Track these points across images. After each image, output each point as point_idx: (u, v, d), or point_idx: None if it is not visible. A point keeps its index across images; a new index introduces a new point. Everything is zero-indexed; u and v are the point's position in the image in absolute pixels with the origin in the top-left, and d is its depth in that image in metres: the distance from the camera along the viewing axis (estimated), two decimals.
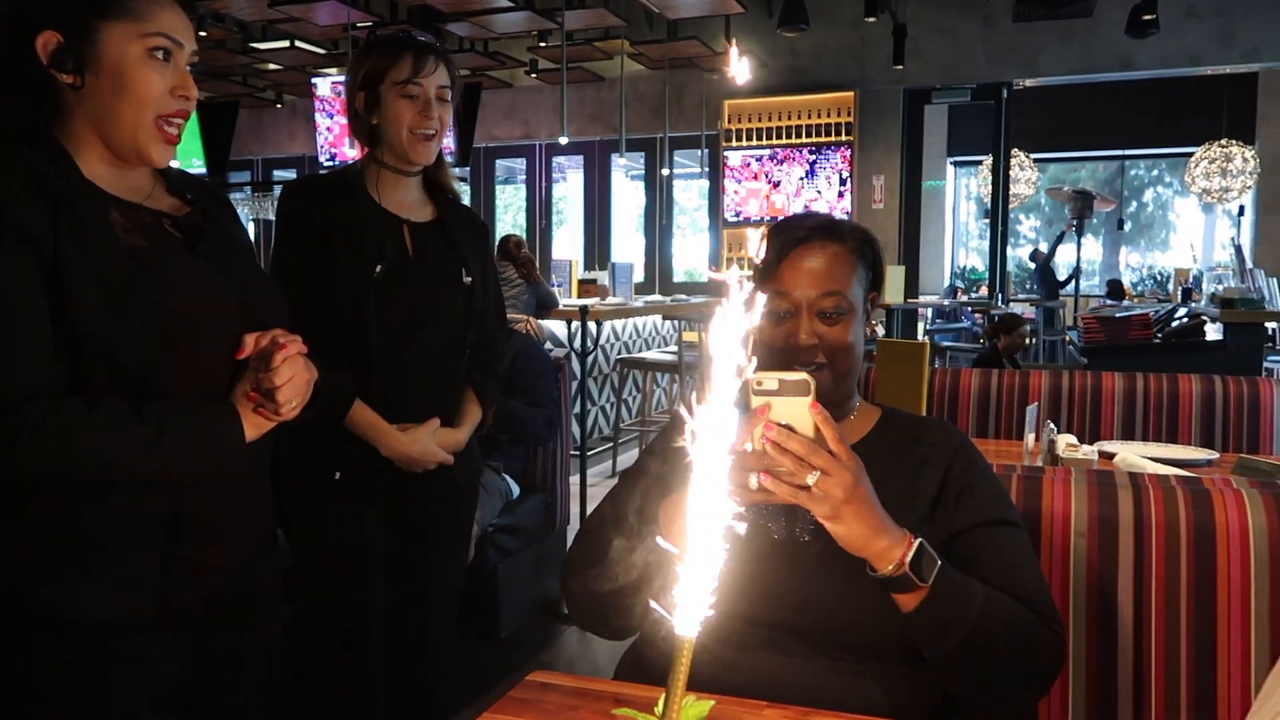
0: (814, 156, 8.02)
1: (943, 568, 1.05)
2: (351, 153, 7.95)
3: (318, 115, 7.95)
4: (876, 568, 1.04)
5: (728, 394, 0.68)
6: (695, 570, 0.69)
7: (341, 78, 7.96)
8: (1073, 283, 9.37)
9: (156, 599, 1.17)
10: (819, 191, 8.02)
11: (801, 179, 8.06)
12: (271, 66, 8.40)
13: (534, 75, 8.46)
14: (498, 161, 10.31)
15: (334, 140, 7.93)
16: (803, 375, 1.02)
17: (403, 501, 1.79)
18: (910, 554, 1.03)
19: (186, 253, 1.22)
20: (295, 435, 1.61)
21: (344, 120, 7.85)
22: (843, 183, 7.96)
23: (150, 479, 1.15)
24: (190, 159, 7.18)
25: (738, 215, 8.33)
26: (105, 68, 1.15)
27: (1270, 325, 6.78)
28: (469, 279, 1.78)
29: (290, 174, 10.65)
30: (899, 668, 1.12)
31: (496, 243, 6.12)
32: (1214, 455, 2.30)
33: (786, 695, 1.08)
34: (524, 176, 10.45)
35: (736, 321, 0.68)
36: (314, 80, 8.03)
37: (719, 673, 1.09)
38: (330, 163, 7.98)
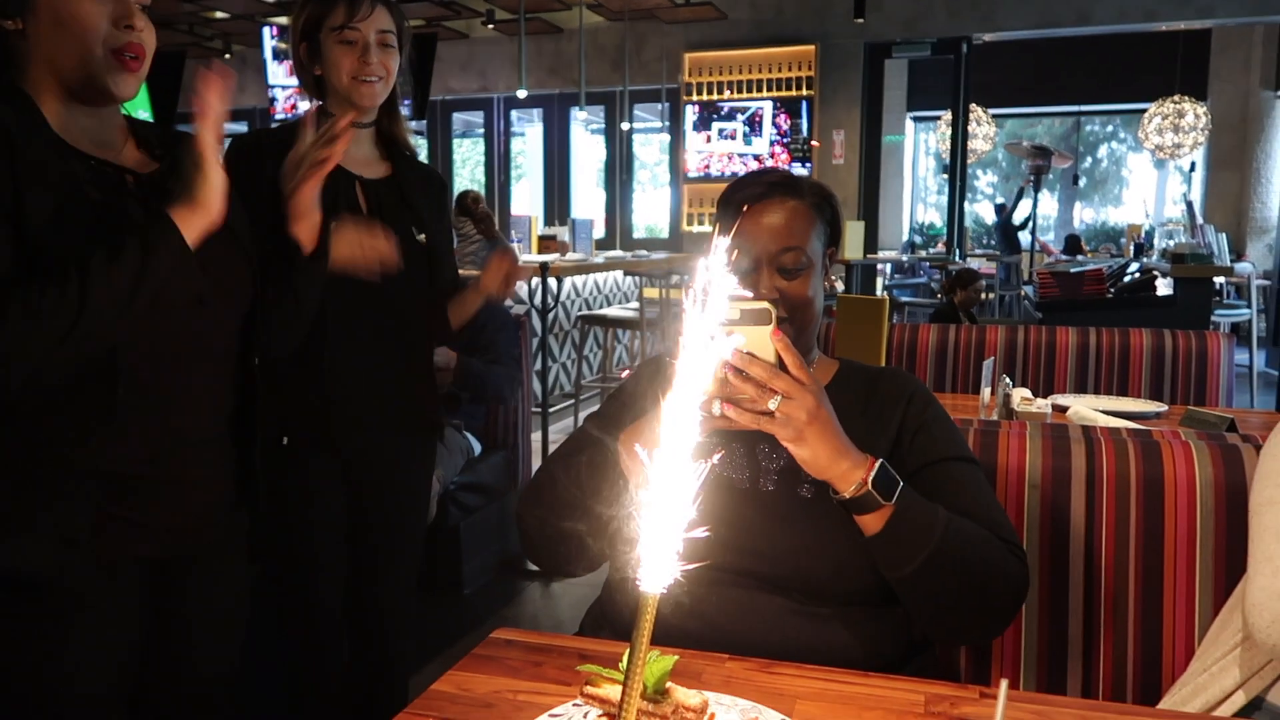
0: (774, 110, 7.98)
1: (905, 487, 1.07)
2: (305, 106, 7.76)
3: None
4: (839, 489, 1.05)
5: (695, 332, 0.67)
6: (660, 524, 0.69)
7: None
8: (1031, 237, 9.47)
9: (94, 555, 1.16)
10: (779, 146, 7.99)
11: (755, 133, 8.03)
12: (218, 15, 8.14)
13: (491, 26, 8.29)
14: (455, 115, 10.14)
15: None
16: (764, 304, 1.02)
17: (360, 461, 1.77)
18: (873, 473, 1.04)
19: (141, 211, 1.20)
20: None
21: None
22: (803, 137, 7.94)
23: (100, 324, 1.09)
24: (136, 111, 6.97)
25: (700, 171, 8.29)
26: (41, 7, 1.14)
27: (1218, 280, 6.93)
28: (422, 236, 1.75)
29: (241, 127, 10.38)
30: (862, 611, 1.15)
31: (454, 198, 6.04)
32: (1163, 407, 2.36)
33: (749, 641, 1.10)
34: (482, 130, 10.29)
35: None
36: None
37: (682, 620, 1.11)
38: (282, 116, 7.80)
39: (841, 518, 1.09)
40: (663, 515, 0.69)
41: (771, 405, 1.01)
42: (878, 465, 1.05)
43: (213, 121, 1.18)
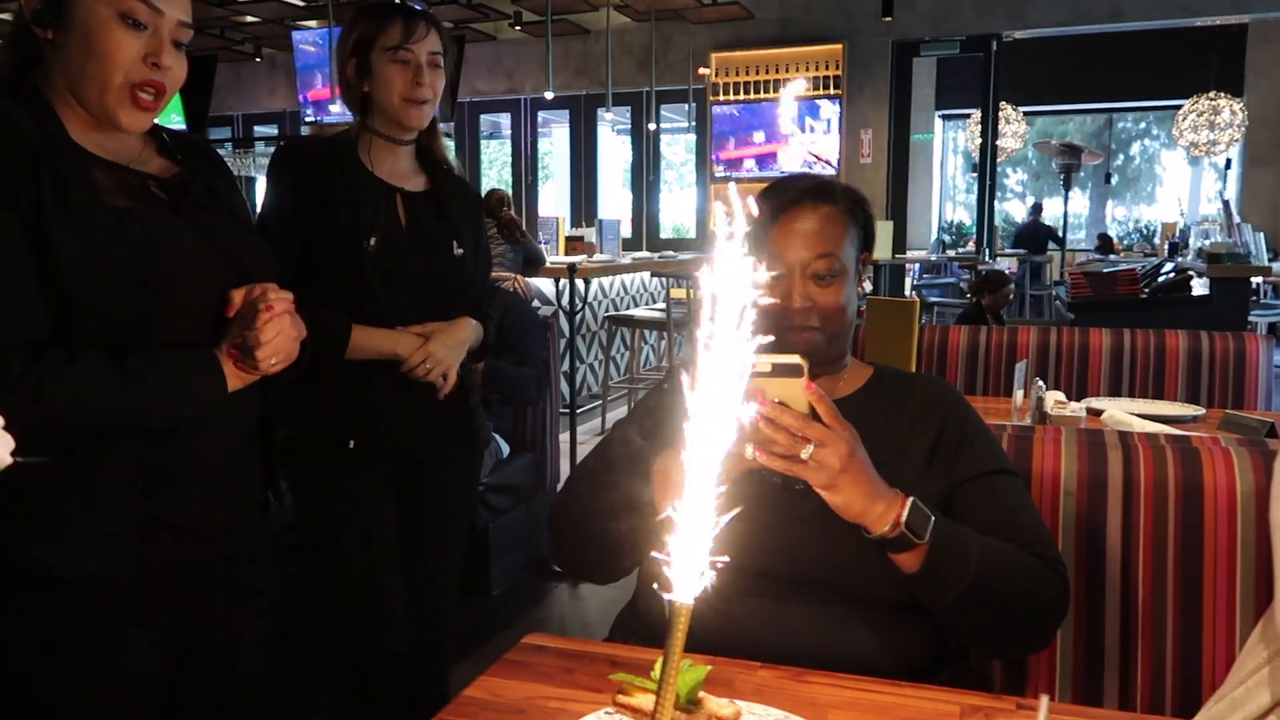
0: (802, 110, 7.94)
1: (937, 521, 1.06)
2: (335, 109, 7.83)
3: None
4: (873, 530, 1.05)
5: (724, 367, 0.67)
6: (693, 535, 0.69)
7: (322, 30, 7.82)
8: (1062, 236, 9.36)
9: (135, 557, 1.17)
10: (808, 147, 7.95)
11: (788, 133, 7.99)
12: (249, 19, 8.23)
13: (518, 28, 8.31)
14: (482, 116, 10.18)
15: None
16: (795, 358, 1.02)
17: (410, 468, 1.80)
18: (905, 513, 1.03)
19: (170, 214, 1.22)
20: (304, 406, 1.64)
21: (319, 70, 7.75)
22: (831, 137, 7.89)
23: (128, 426, 1.16)
24: (169, 115, 7.06)
25: (725, 169, 8.27)
26: (76, 25, 1.14)
27: (1255, 280, 6.82)
28: (460, 251, 1.77)
29: (271, 130, 10.48)
30: (893, 615, 1.14)
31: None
32: (1200, 411, 2.32)
33: (779, 646, 1.10)
34: (509, 131, 10.32)
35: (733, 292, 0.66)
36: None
37: (711, 620, 1.10)
38: (312, 119, 7.87)
39: None
40: (695, 526, 0.69)
41: (804, 454, 1.01)
42: (909, 504, 1.04)
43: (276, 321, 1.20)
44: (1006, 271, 6.58)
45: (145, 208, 1.19)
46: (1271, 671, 1.07)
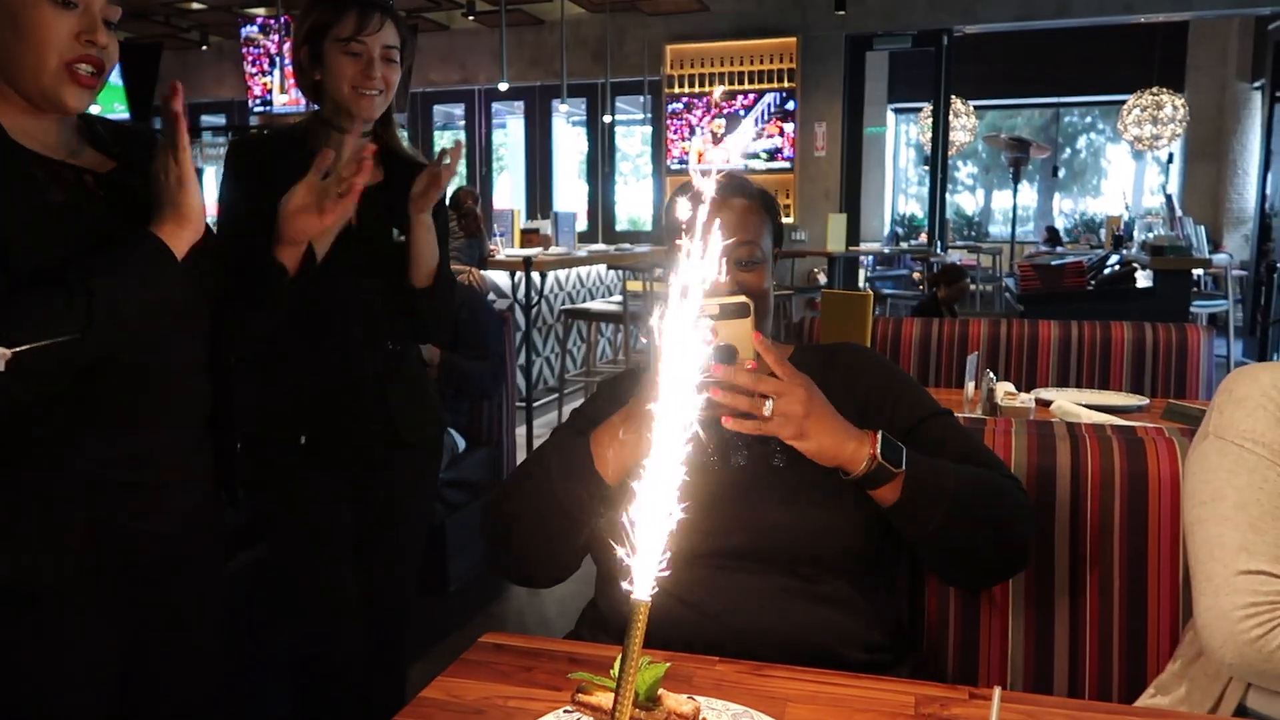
0: (756, 103, 7.97)
1: (909, 450, 1.10)
2: (283, 98, 7.70)
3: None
4: (850, 470, 1.08)
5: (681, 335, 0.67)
6: (645, 529, 0.68)
7: (271, 18, 7.67)
8: (1011, 229, 9.51)
9: (78, 559, 1.15)
10: (763, 139, 7.99)
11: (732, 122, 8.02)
12: (195, 6, 8.04)
13: (471, 17, 8.22)
14: (435, 107, 10.07)
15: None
16: (741, 298, 1.05)
17: (366, 464, 1.78)
18: (879, 446, 1.07)
19: (106, 210, 1.19)
20: (256, 403, 1.63)
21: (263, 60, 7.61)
22: (786, 130, 7.93)
23: (101, 347, 1.11)
24: (112, 104, 6.89)
25: (681, 162, 8.27)
26: (3, 10, 1.11)
27: (1196, 271, 6.99)
28: (402, 239, 1.74)
29: (219, 119, 10.27)
30: (851, 586, 1.16)
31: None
32: (1145, 401, 2.38)
33: (744, 625, 1.11)
34: (463, 122, 10.23)
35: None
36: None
37: (674, 613, 1.11)
38: (262, 109, 7.73)
39: (818, 481, 1.12)
40: (648, 519, 0.69)
41: (766, 410, 1.03)
42: (880, 437, 1.08)
43: (184, 132, 1.17)
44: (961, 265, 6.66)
45: (79, 203, 1.16)
46: (1189, 686, 1.11)
